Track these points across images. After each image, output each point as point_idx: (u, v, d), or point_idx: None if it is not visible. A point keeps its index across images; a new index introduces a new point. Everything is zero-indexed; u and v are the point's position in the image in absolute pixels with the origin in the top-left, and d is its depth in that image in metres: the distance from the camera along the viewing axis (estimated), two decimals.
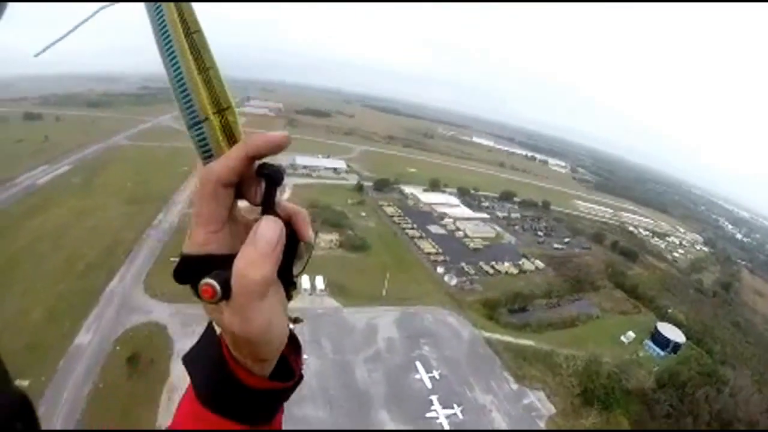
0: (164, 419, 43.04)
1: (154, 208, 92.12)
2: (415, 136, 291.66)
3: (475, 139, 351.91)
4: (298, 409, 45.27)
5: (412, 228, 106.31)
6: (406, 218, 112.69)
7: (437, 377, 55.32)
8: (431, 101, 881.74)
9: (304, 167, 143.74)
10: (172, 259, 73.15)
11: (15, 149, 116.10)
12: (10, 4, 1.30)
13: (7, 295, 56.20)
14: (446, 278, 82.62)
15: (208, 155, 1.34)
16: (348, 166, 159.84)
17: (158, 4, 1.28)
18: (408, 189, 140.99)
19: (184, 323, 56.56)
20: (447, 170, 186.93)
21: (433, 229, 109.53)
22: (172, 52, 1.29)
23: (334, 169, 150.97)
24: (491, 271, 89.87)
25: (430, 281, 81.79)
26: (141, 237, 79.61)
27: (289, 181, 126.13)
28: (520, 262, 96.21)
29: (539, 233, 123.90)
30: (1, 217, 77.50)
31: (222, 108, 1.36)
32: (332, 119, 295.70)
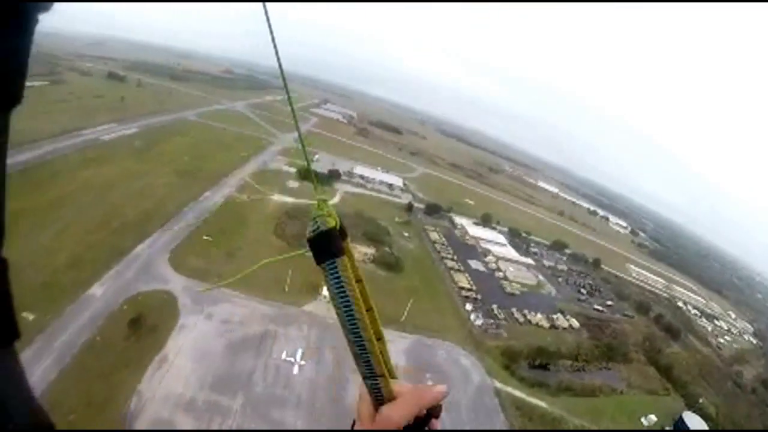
0: (147, 387, 42.38)
1: (202, 186, 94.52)
2: (480, 168, 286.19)
3: (541, 184, 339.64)
4: (279, 411, 43.26)
5: (452, 259, 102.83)
6: (449, 248, 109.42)
7: None
8: (510, 138, 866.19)
9: (361, 177, 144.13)
10: (205, 237, 73.93)
11: (92, 103, 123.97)
12: None
13: (41, 232, 58.55)
14: (472, 317, 78.36)
15: (380, 401, 1.89)
16: (404, 184, 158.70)
17: (335, 265, 1.62)
18: (458, 219, 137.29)
19: (195, 300, 56.51)
20: (503, 208, 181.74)
21: (474, 264, 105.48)
22: (351, 312, 1.69)
23: (390, 185, 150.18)
24: (522, 319, 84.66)
25: (455, 317, 77.68)
26: (182, 210, 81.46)
27: (341, 187, 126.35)
28: (555, 317, 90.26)
29: (582, 290, 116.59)
30: (59, 162, 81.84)
31: (378, 338, 1.87)
32: (403, 137, 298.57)
